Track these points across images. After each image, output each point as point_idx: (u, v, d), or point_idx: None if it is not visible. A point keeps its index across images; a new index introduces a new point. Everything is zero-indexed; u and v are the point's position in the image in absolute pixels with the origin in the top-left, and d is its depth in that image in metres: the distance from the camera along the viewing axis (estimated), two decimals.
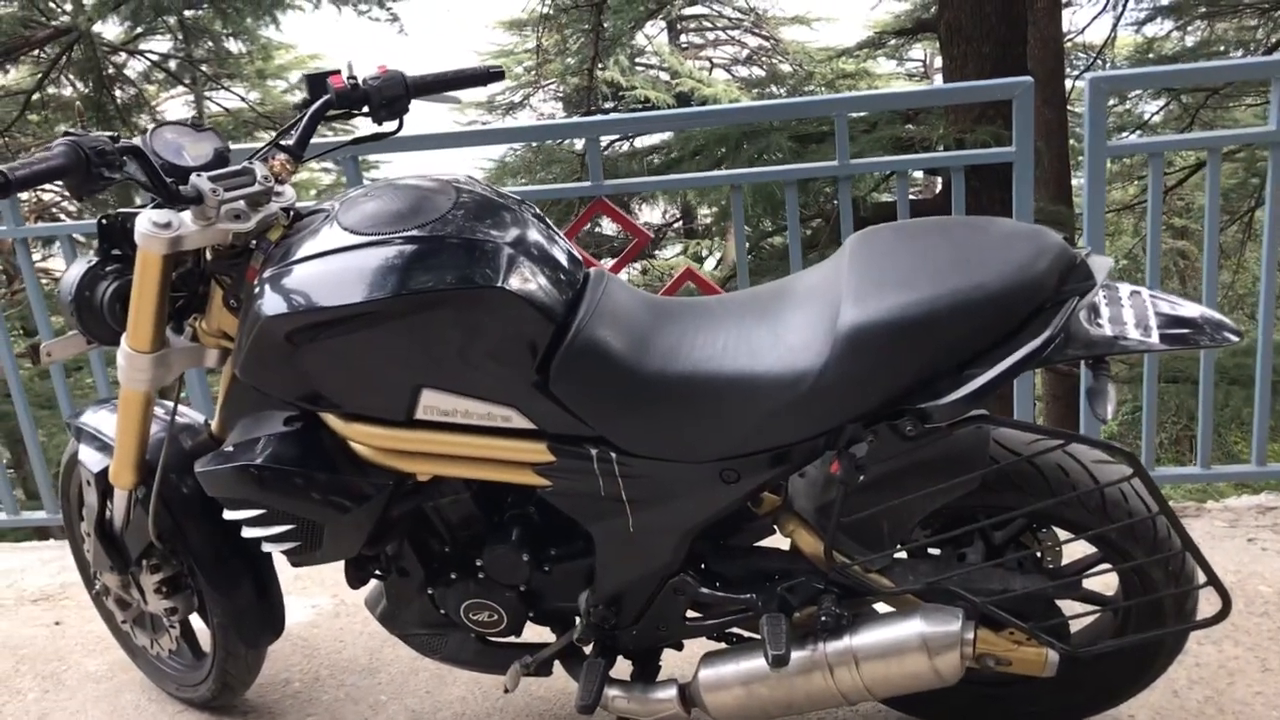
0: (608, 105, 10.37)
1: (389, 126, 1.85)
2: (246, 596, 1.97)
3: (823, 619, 1.62)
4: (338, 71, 1.79)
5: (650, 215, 13.01)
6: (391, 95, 1.79)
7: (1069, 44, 9.40)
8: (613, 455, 1.59)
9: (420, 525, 1.81)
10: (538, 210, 1.72)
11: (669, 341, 1.60)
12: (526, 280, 1.55)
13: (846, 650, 1.60)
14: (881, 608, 1.70)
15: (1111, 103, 4.41)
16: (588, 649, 1.82)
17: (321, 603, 2.58)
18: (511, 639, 1.87)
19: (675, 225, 12.97)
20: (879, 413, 1.48)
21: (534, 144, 8.23)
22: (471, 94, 10.76)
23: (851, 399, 1.48)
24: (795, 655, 1.62)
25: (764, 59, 13.02)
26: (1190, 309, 1.49)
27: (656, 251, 11.75)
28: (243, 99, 10.16)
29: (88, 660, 2.40)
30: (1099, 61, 9.70)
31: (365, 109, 1.80)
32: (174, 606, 2.00)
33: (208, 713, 2.18)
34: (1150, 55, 9.72)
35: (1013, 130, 2.36)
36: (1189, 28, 9.49)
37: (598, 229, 9.50)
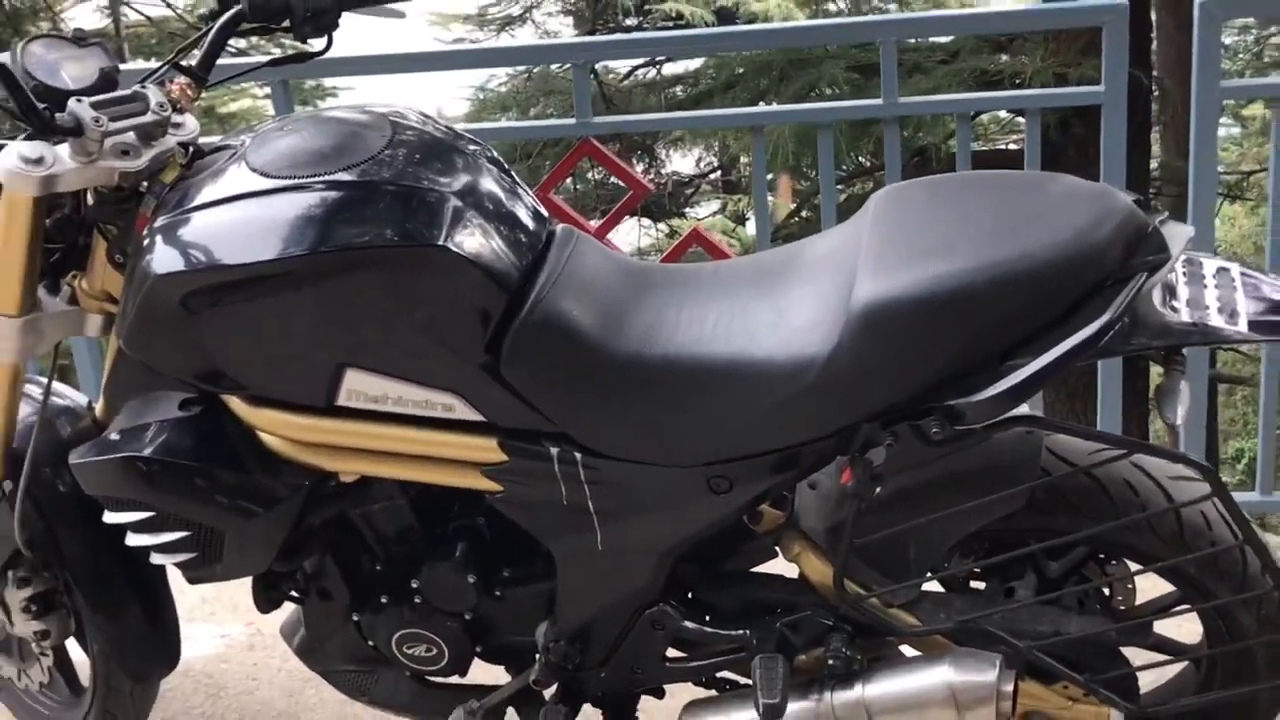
0: (629, 22, 10.39)
1: (316, 45, 1.90)
2: (133, 619, 2.04)
3: (830, 662, 1.66)
4: None
5: (682, 164, 12.97)
6: (318, 6, 1.84)
7: None
8: (577, 456, 1.65)
9: (346, 537, 1.87)
10: (495, 154, 1.77)
11: (648, 317, 1.65)
12: (475, 238, 1.60)
13: (858, 702, 1.65)
14: (911, 652, 1.75)
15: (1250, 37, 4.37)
16: (548, 694, 1.87)
17: (233, 632, 2.65)
18: (455, 679, 1.93)
19: (712, 176, 12.97)
20: (901, 411, 1.53)
21: (526, 72, 8.27)
22: (457, 5, 10.79)
23: (867, 393, 1.52)
24: (796, 706, 1.67)
25: None
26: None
27: (688, 209, 11.77)
28: (169, 4, 10.25)
29: None
30: None
31: (286, 23, 1.85)
32: (45, 630, 2.06)
33: None
34: None
35: (1102, 65, 2.39)
36: None
37: (613, 181, 9.55)
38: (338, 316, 1.61)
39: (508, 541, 1.79)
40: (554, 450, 1.65)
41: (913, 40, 4.73)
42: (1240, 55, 10.35)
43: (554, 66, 7.97)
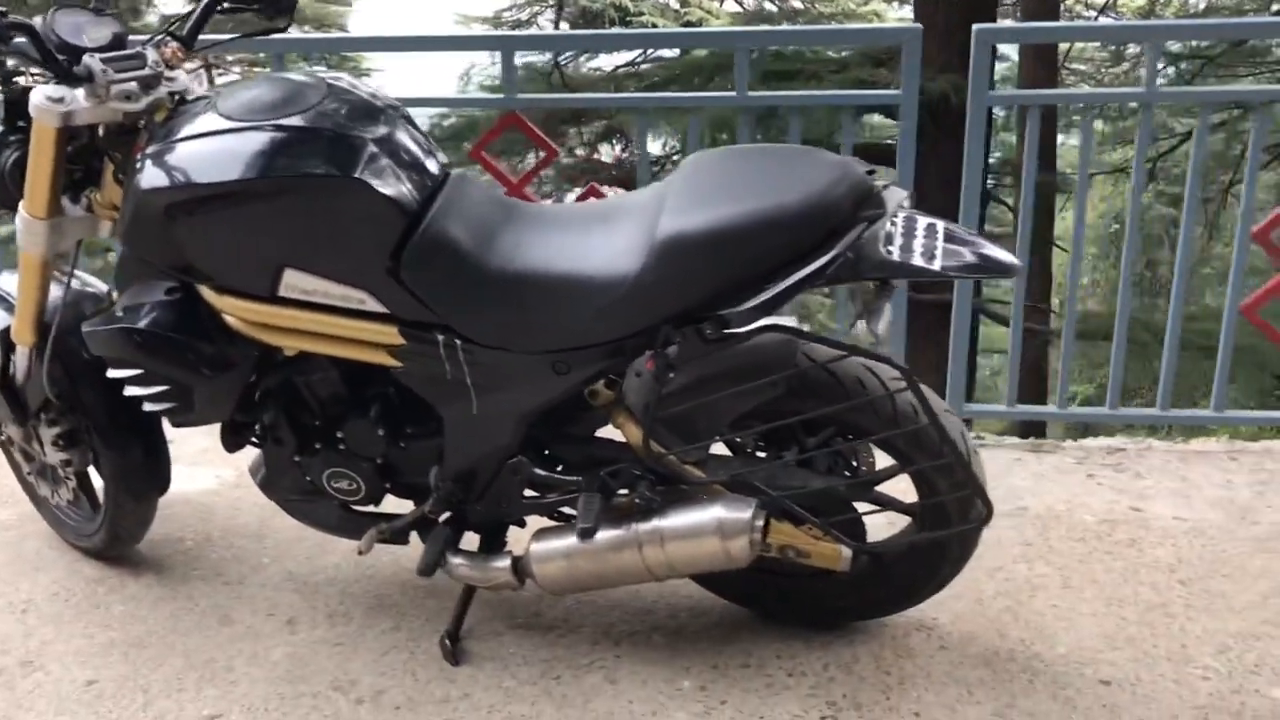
0: (613, 30, 10.34)
1: (280, 23, 1.99)
2: (135, 453, 2.16)
3: (637, 501, 1.81)
4: None
5: (652, 146, 12.94)
6: None
7: None
8: (458, 342, 1.77)
9: (293, 398, 1.99)
10: (408, 115, 1.87)
11: (512, 240, 1.77)
12: (383, 173, 1.71)
13: (655, 530, 1.80)
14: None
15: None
16: (440, 521, 2.01)
17: (225, 474, 2.77)
18: (372, 508, 2.06)
19: (675, 157, 12.96)
20: (689, 317, 1.66)
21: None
22: (477, 7, 10.70)
23: (665, 302, 1.66)
24: (612, 533, 1.82)
25: None
26: (979, 244, 1.66)
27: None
28: None
29: None
30: (1104, 15, 9.72)
31: (256, 4, 1.94)
32: (69, 459, 2.19)
33: (102, 562, 2.38)
34: (1161, 10, 9.72)
35: (902, 74, 2.50)
36: None
37: (596, 157, 9.46)
38: (277, 228, 1.73)
39: (409, 405, 1.92)
40: (440, 338, 1.77)
41: (801, 50, 4.91)
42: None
43: (533, 58, 7.92)
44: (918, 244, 1.64)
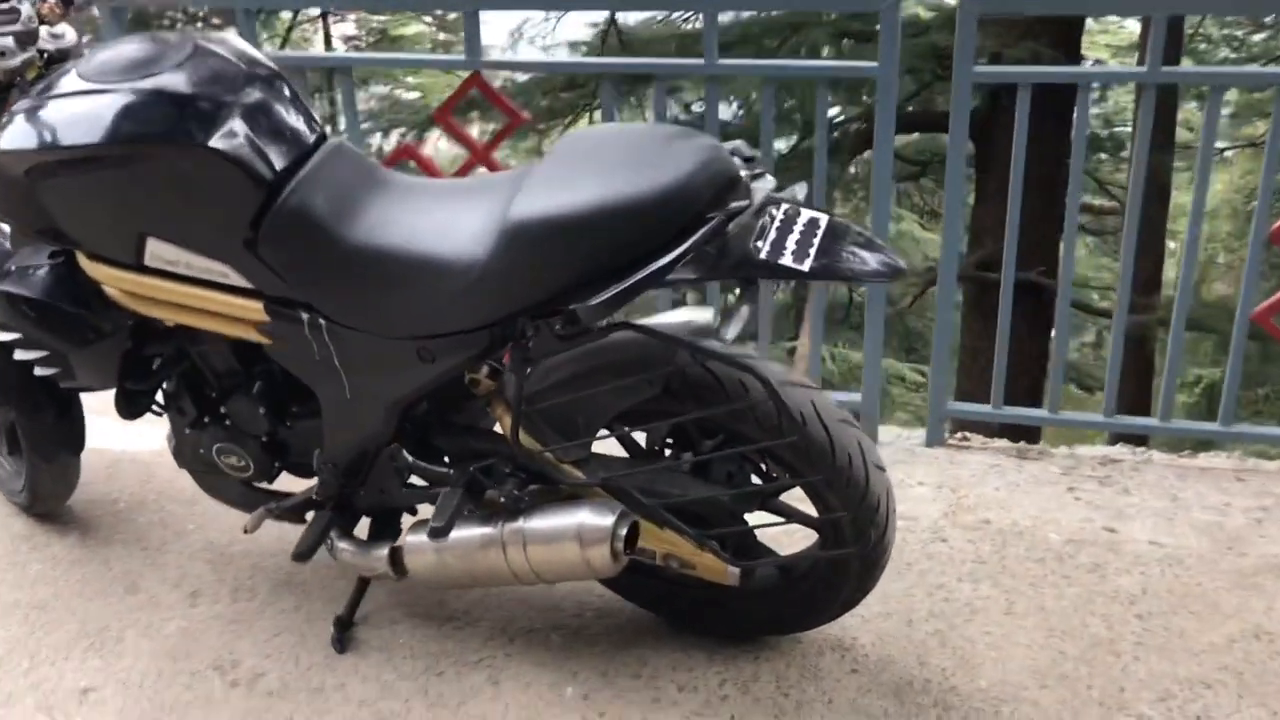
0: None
1: None
2: (45, 415, 2.14)
3: (502, 500, 1.70)
4: None
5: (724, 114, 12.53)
6: None
7: None
8: (322, 322, 1.68)
9: (187, 369, 1.93)
10: (286, 77, 1.77)
11: (377, 216, 1.66)
12: (237, 140, 1.62)
13: (518, 532, 1.69)
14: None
15: None
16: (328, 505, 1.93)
17: None
18: (268, 486, 2.00)
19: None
20: (544, 309, 1.53)
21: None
22: None
23: (517, 292, 1.53)
24: (477, 531, 1.72)
25: None
26: (863, 243, 1.50)
27: None
28: None
29: None
30: None
31: None
32: None
33: (35, 519, 2.37)
34: None
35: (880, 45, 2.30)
36: None
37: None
38: (133, 195, 1.65)
39: (292, 384, 1.84)
40: (305, 316, 1.68)
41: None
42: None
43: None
44: (792, 241, 1.48)
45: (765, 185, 1.51)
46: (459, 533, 1.73)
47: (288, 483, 2.00)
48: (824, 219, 1.52)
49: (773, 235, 1.49)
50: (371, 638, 2.00)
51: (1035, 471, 2.52)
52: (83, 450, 2.24)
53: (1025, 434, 3.39)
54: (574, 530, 1.65)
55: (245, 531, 1.96)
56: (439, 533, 1.67)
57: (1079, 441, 2.89)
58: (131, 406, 2.01)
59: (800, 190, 1.60)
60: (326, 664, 1.94)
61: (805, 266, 1.46)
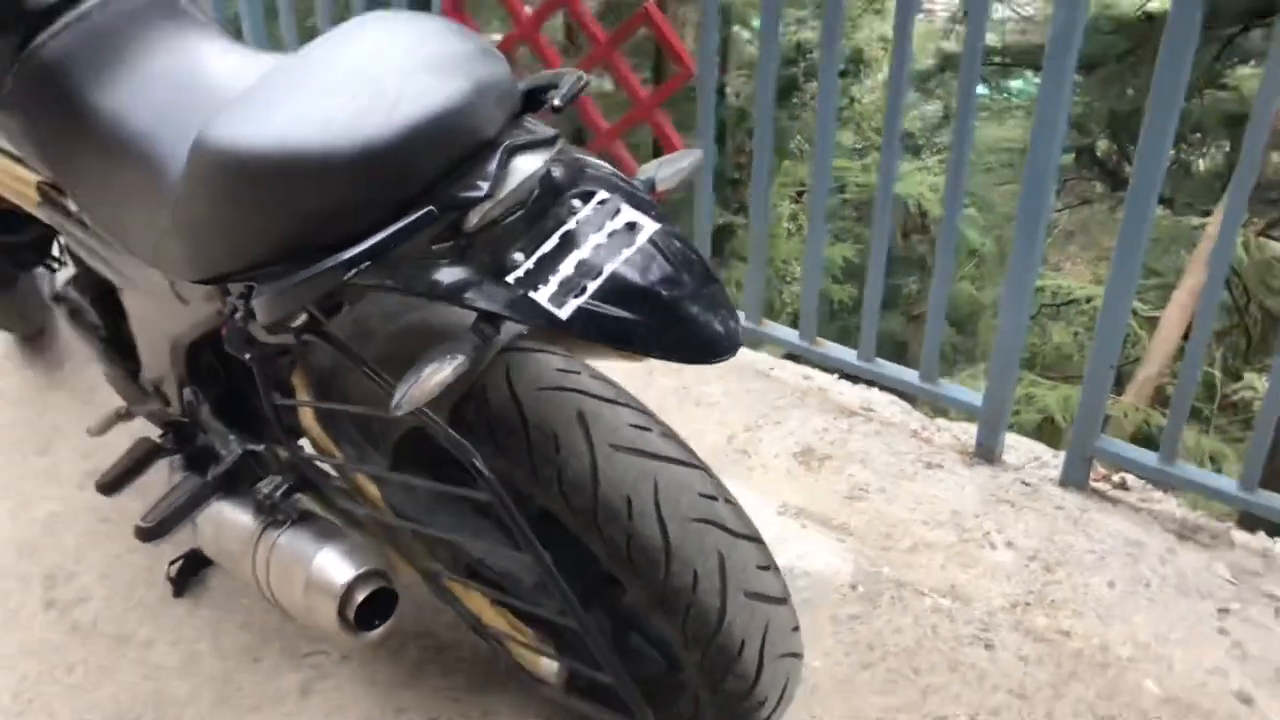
0: None
1: None
2: None
3: (259, 499, 1.26)
4: None
5: None
6: None
7: None
8: (86, 219, 1.28)
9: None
10: None
11: (139, 90, 1.21)
12: None
13: (269, 542, 1.26)
14: None
15: None
16: None
17: None
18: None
19: None
20: (252, 276, 1.04)
21: None
22: None
23: (213, 248, 1.05)
24: (244, 520, 1.30)
25: None
26: (698, 290, 0.88)
27: None
28: None
29: None
30: None
31: None
32: None
33: None
34: None
35: None
36: None
37: None
38: None
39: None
40: (70, 205, 1.29)
41: None
42: None
43: None
44: (577, 258, 0.89)
45: (528, 165, 0.91)
46: (234, 514, 1.32)
47: None
48: (650, 228, 0.91)
49: (553, 243, 0.90)
50: (219, 591, 1.67)
51: (1188, 567, 1.75)
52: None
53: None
54: (306, 569, 1.20)
55: (88, 432, 1.65)
56: (144, 533, 1.27)
57: None
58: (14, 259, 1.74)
59: (667, 169, 0.98)
60: (153, 610, 1.65)
61: (565, 311, 0.87)
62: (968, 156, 1.81)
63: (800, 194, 6.78)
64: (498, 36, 2.52)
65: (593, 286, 0.87)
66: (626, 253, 0.90)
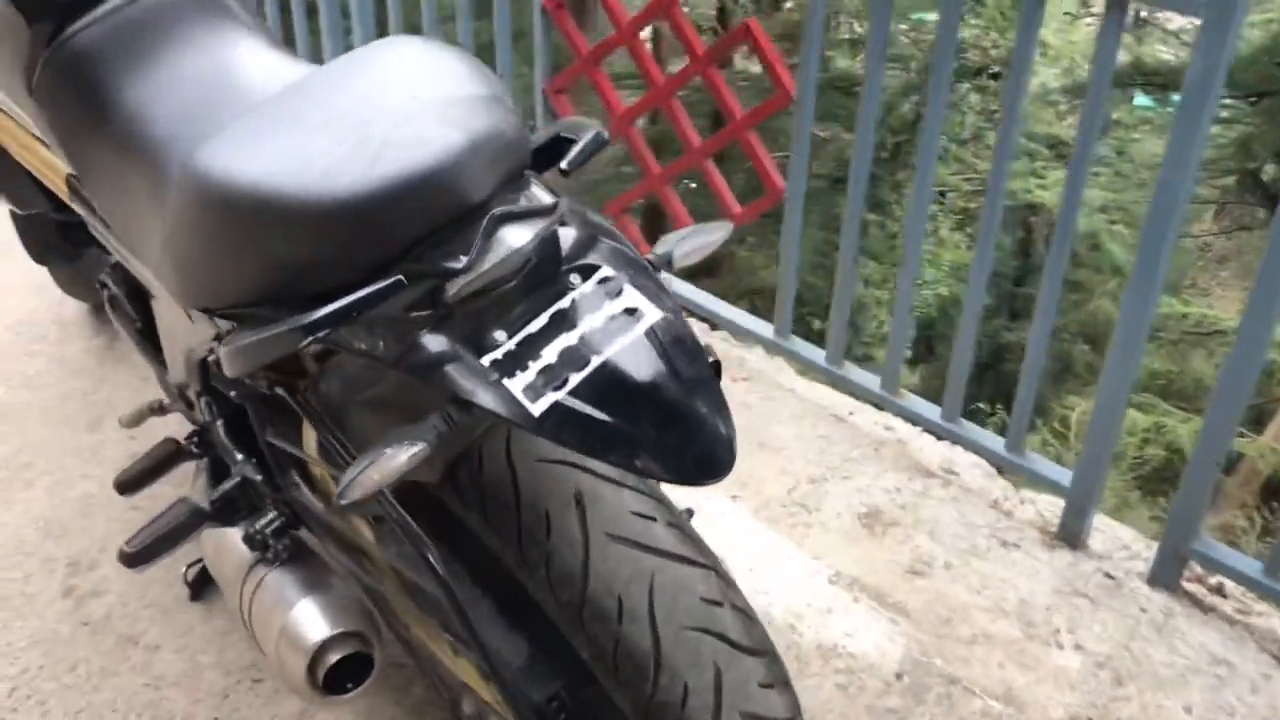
0: None
1: None
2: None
3: (251, 531, 1.19)
4: None
5: None
6: None
7: None
8: (105, 216, 1.23)
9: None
10: None
11: (168, 83, 1.14)
12: None
13: (257, 579, 1.18)
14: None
15: None
16: None
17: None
18: None
19: None
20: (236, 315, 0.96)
21: None
22: None
23: (196, 278, 0.97)
24: (239, 550, 1.23)
25: None
26: (690, 401, 0.77)
27: None
28: None
29: None
30: None
31: None
32: None
33: None
34: None
35: None
36: None
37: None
38: None
39: None
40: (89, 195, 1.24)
41: None
42: None
43: None
44: (561, 344, 0.78)
45: (519, 235, 0.80)
46: (233, 538, 1.25)
47: None
48: (652, 317, 0.79)
49: (541, 323, 0.79)
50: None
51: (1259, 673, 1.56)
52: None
53: None
54: (282, 620, 1.12)
55: (120, 423, 1.62)
56: (126, 558, 1.21)
57: None
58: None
59: (689, 244, 0.87)
60: (165, 612, 1.61)
61: (538, 406, 0.76)
62: (1079, 198, 1.63)
63: (943, 194, 6.58)
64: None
65: (575, 380, 0.77)
66: (620, 342, 0.78)
